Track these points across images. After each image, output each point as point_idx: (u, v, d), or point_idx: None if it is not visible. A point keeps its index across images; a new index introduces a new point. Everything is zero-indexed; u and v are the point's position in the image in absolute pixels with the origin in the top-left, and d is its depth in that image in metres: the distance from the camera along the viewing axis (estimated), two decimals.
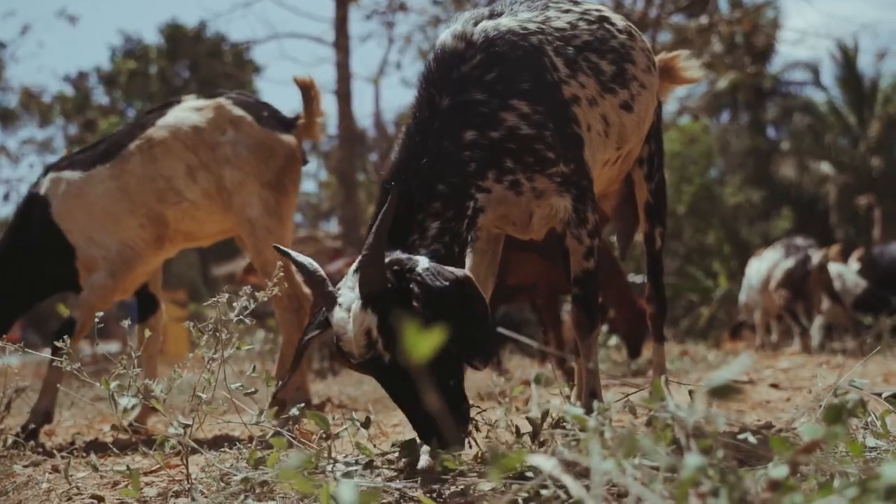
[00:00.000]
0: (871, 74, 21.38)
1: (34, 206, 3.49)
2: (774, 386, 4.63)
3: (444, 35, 2.13)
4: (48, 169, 3.61)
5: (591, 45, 2.33)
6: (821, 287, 7.90)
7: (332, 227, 23.30)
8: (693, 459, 1.04)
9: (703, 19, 12.82)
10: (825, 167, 20.97)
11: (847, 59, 20.88)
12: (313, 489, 1.27)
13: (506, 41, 2.12)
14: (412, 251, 1.91)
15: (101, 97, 23.47)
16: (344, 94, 12.42)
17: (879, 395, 1.95)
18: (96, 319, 2.34)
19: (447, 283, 1.77)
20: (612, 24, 2.44)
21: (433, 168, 2.00)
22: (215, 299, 2.10)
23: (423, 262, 1.83)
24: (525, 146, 2.06)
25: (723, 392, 1.24)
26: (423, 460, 1.81)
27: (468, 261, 2.32)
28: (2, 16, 33.68)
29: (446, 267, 1.84)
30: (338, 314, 1.83)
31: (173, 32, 23.81)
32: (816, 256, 7.89)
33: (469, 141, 2.04)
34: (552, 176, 2.11)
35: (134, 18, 53.36)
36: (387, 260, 1.83)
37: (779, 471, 1.18)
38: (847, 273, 8.57)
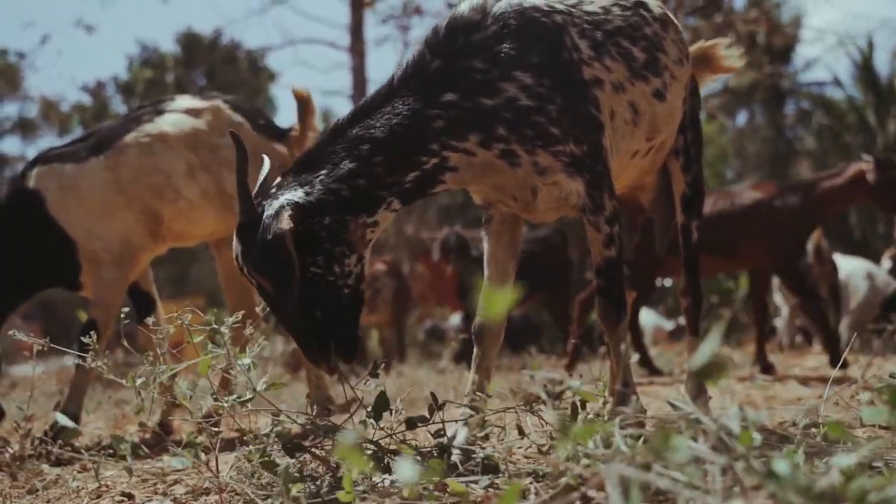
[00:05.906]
0: (888, 72, 21.12)
1: (24, 200, 3.39)
2: (804, 383, 4.55)
3: (463, 6, 2.08)
4: (34, 162, 3.52)
5: (623, 30, 2.27)
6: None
7: None
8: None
9: (719, 18, 12.70)
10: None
11: (864, 58, 20.65)
12: (367, 465, 1.22)
13: (525, 16, 2.06)
14: (309, 185, 1.93)
15: (118, 106, 23.57)
16: (360, 99, 12.41)
17: None
18: (122, 315, 2.31)
19: (266, 237, 1.85)
20: (649, 10, 2.38)
21: (381, 117, 1.99)
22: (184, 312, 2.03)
23: (273, 207, 1.88)
24: (523, 118, 2.01)
25: (709, 371, 1.16)
26: (461, 435, 1.75)
27: (485, 245, 2.28)
28: (22, 26, 34.11)
29: (283, 221, 1.85)
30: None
31: (189, 40, 23.93)
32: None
33: (445, 101, 1.99)
34: (558, 154, 2.04)
35: (150, 27, 53.85)
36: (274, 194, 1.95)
37: (845, 459, 1.12)
38: (878, 272, 8.32)
